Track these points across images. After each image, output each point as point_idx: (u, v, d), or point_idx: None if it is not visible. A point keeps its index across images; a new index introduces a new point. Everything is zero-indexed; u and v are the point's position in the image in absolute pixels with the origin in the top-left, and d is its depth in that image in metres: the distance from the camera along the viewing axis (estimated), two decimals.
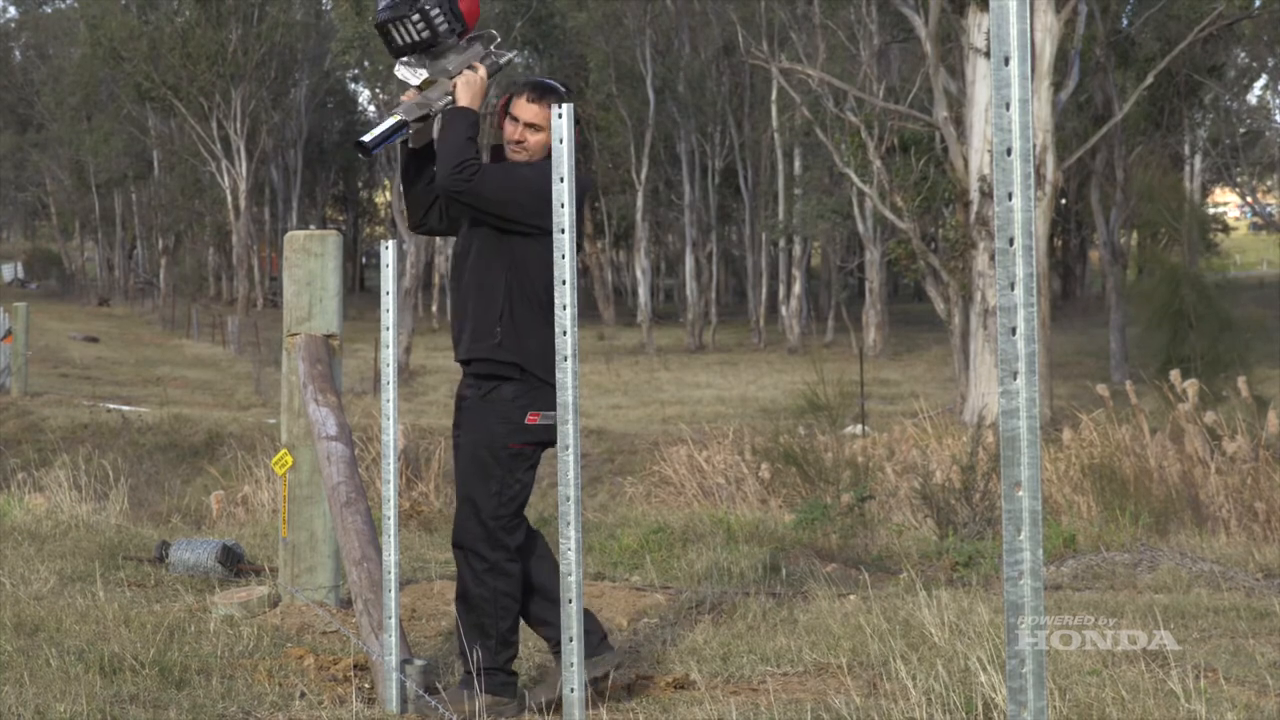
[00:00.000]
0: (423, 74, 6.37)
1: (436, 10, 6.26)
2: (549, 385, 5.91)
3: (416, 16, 6.24)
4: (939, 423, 19.12)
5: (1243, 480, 12.93)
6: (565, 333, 4.30)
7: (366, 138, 6.28)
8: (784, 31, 53.54)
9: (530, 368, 6.16)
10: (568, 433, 4.30)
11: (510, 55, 6.58)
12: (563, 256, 4.30)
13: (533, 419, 6.16)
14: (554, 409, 5.85)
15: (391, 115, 6.33)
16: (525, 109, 6.30)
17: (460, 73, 6.35)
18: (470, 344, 6.28)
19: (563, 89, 6.37)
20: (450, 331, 6.58)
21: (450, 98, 6.32)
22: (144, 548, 10.15)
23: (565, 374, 4.30)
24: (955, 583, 9.46)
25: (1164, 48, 38.83)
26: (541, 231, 6.06)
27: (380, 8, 6.30)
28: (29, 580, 8.62)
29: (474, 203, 6.20)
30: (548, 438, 6.06)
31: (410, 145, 6.44)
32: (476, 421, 6.21)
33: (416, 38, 6.27)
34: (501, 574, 6.16)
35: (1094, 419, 15.06)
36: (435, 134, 6.39)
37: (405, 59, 6.40)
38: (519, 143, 6.31)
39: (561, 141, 4.38)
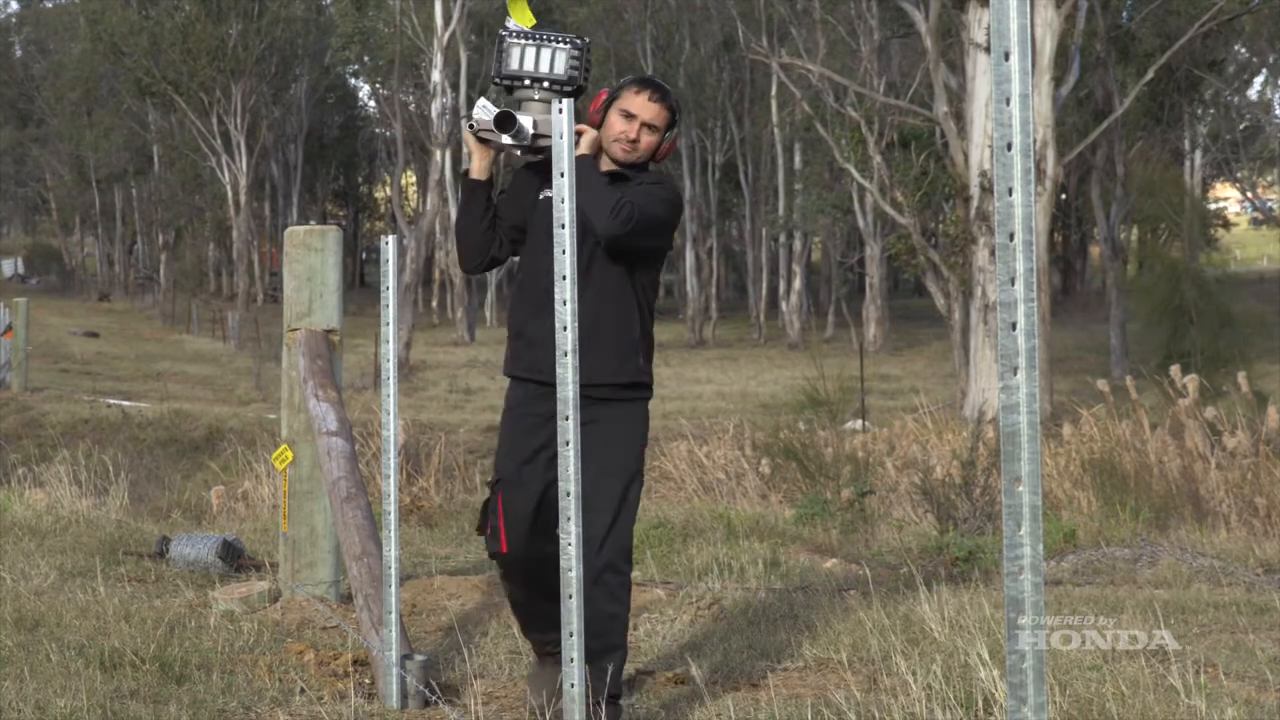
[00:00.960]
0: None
1: (588, 61, 5.93)
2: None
3: (575, 53, 5.91)
4: (939, 418, 19.13)
5: (1243, 475, 12.93)
6: (565, 328, 4.30)
7: (520, 120, 5.81)
8: (784, 26, 53.62)
9: (651, 388, 6.05)
10: (568, 429, 4.30)
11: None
12: (563, 251, 4.31)
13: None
14: None
15: (522, 114, 5.84)
16: (646, 107, 5.87)
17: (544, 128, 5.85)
18: (605, 368, 5.84)
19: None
20: (543, 352, 5.80)
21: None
22: (144, 543, 10.15)
23: (565, 369, 4.30)
24: (955, 578, 9.45)
25: (1164, 43, 38.85)
26: (664, 251, 6.11)
27: (514, 27, 5.96)
28: (29, 575, 8.62)
29: (631, 244, 5.81)
30: None
31: (475, 176, 6.04)
32: (622, 427, 5.88)
33: (560, 74, 5.89)
34: (630, 588, 5.90)
35: (1094, 414, 15.06)
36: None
37: (496, 94, 5.98)
38: (633, 141, 5.86)
39: (562, 137, 4.37)
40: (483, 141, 5.93)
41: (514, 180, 6.16)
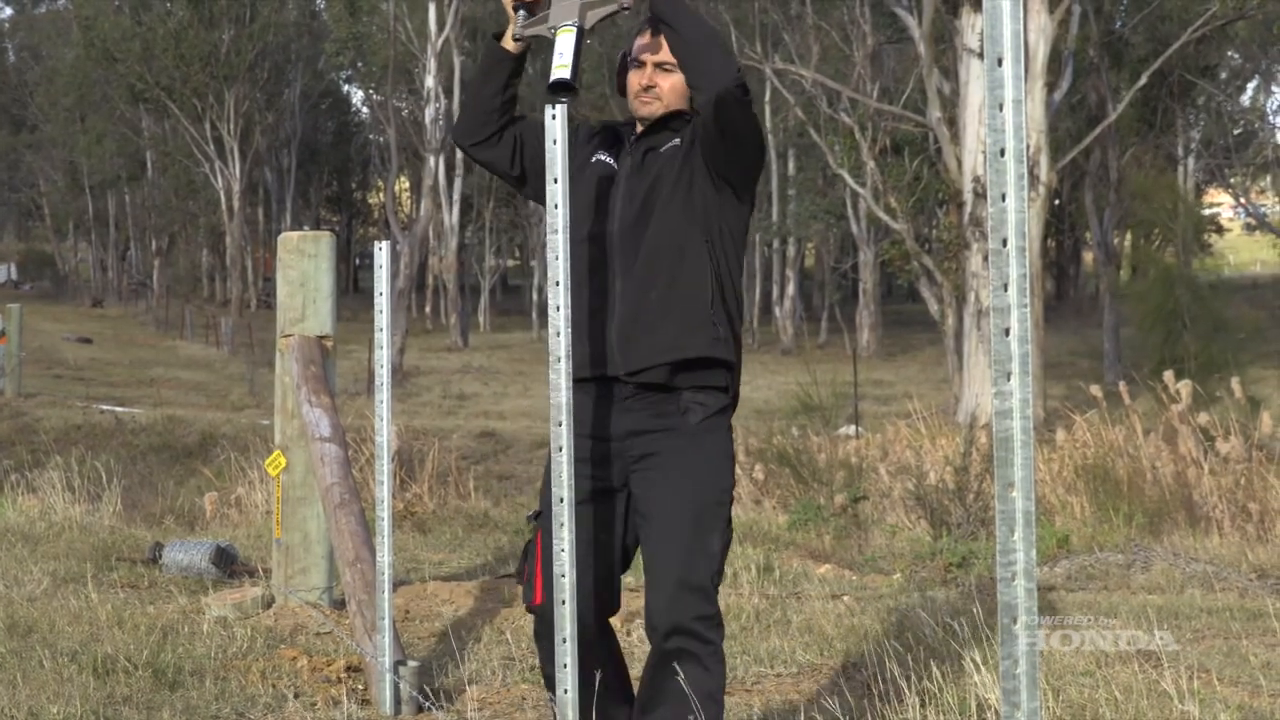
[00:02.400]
0: None
1: None
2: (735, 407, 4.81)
3: None
4: (932, 423, 19.11)
5: (1236, 481, 12.93)
6: (559, 334, 4.30)
7: (564, 75, 4.57)
8: (777, 32, 53.56)
9: (736, 374, 4.78)
10: (561, 433, 4.30)
11: None
12: (556, 257, 4.30)
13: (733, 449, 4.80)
14: None
15: (560, 29, 4.65)
16: (653, 44, 4.81)
17: None
18: (665, 342, 4.64)
19: None
20: (579, 343, 4.66)
21: None
22: (137, 549, 10.14)
23: (559, 375, 4.30)
24: (949, 583, 9.46)
25: (1157, 48, 38.89)
26: (749, 190, 4.86)
27: None
28: (22, 581, 8.61)
29: (741, 123, 4.64)
30: None
31: (505, 46, 4.91)
32: (692, 461, 4.62)
33: None
34: (724, 659, 4.70)
35: (1088, 419, 15.07)
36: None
37: None
38: (649, 89, 4.79)
39: (555, 143, 4.36)
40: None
41: (576, 130, 4.98)
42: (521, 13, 4.83)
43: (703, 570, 4.59)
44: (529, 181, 4.98)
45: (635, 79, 4.83)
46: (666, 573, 4.58)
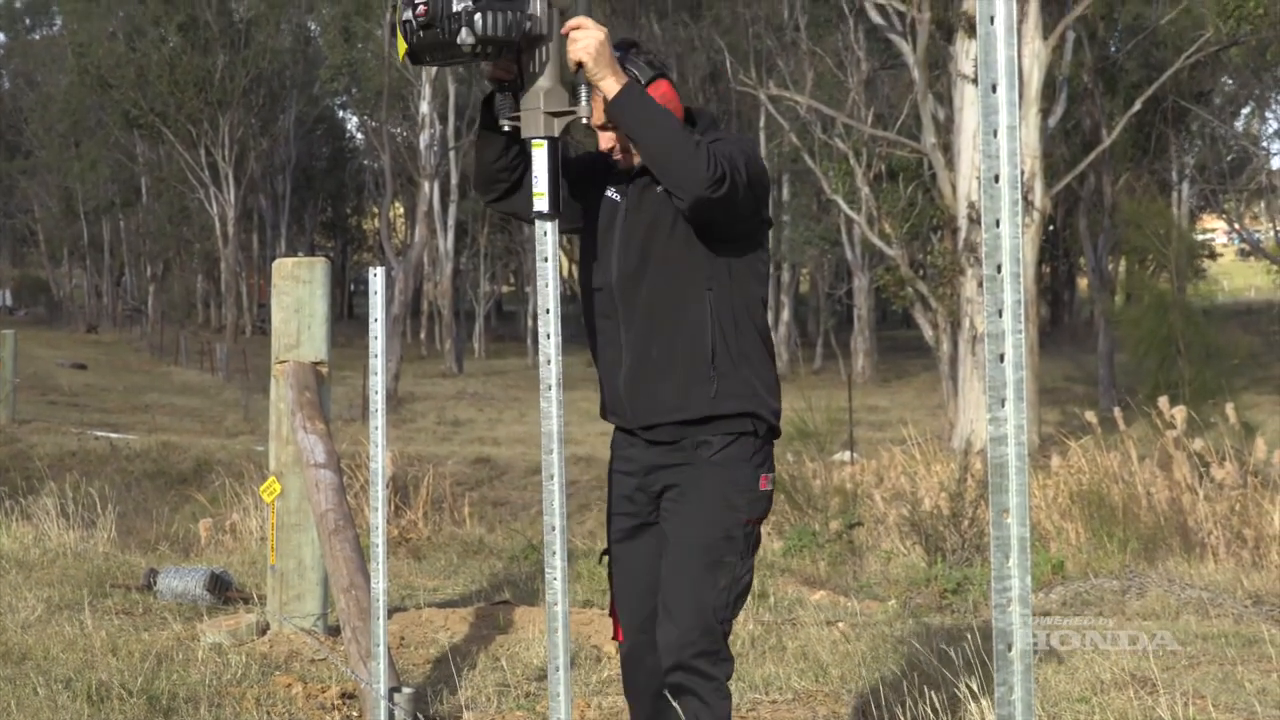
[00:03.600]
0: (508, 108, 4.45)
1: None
2: (777, 436, 4.70)
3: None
4: (927, 449, 19.10)
5: (1231, 507, 12.92)
6: (550, 362, 4.29)
7: (543, 207, 4.28)
8: (771, 58, 53.67)
9: (765, 415, 4.59)
10: (552, 462, 4.29)
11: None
12: (546, 284, 4.30)
13: (765, 483, 4.60)
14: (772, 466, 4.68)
15: (533, 143, 4.31)
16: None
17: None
18: (666, 401, 4.57)
19: (632, 43, 4.64)
20: (602, 385, 4.81)
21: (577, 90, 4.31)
22: (132, 575, 10.12)
23: (550, 403, 4.29)
24: (944, 610, 9.45)
25: (1151, 74, 38.96)
26: (761, 226, 4.67)
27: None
28: (16, 608, 8.59)
29: (729, 209, 4.42)
30: (769, 506, 4.70)
31: (507, 129, 4.45)
32: (704, 493, 4.53)
33: (511, 34, 4.19)
34: (728, 695, 4.57)
35: (1082, 445, 15.06)
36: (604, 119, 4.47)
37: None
38: (611, 149, 4.65)
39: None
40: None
41: (591, 160, 4.79)
42: (507, 96, 4.46)
43: (710, 605, 4.50)
44: None
45: (604, 140, 4.62)
46: (673, 607, 4.51)
